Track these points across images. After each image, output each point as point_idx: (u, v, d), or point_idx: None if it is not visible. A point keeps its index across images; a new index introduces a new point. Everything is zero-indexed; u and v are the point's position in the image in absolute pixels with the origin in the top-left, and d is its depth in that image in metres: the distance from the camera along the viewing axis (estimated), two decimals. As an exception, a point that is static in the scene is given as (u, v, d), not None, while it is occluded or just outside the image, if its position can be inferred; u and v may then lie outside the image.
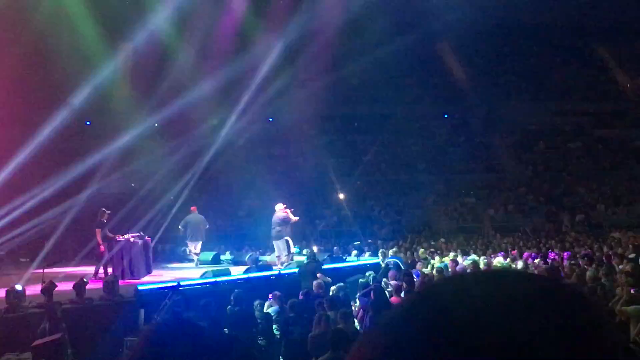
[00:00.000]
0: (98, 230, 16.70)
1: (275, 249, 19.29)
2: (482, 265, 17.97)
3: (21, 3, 22.04)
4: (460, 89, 36.37)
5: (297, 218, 19.38)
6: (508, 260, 20.04)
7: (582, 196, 34.91)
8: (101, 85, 23.61)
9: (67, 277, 15.56)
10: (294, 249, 19.50)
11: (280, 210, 19.27)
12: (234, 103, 27.82)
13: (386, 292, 13.68)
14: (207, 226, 20.53)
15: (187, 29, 26.57)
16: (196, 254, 20.28)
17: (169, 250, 22.91)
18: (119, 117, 25.22)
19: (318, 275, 14.76)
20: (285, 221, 19.05)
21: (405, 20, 29.38)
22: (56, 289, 12.14)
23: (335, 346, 7.67)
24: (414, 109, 36.16)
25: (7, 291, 11.59)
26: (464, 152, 36.45)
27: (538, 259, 19.46)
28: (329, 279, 14.07)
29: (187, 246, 20.61)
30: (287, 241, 19.12)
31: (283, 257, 18.86)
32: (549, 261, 18.83)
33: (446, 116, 39.63)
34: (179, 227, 20.54)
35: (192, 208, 20.91)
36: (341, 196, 31.12)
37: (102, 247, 16.55)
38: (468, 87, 36.17)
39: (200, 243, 20.31)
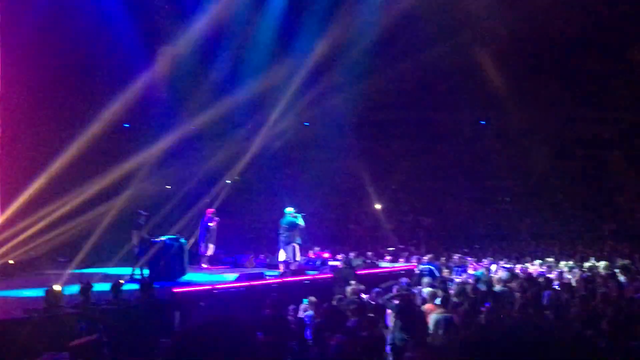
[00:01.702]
0: (135, 232, 16.93)
1: (282, 254, 18.80)
2: (517, 271, 17.92)
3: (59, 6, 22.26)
4: (498, 96, 36.05)
5: (304, 224, 18.94)
6: (544, 268, 19.87)
7: (621, 205, 34.44)
8: (140, 88, 23.80)
9: (104, 278, 15.83)
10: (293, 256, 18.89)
11: (290, 215, 19.05)
12: (271, 107, 27.90)
13: (418, 298, 13.62)
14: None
15: (226, 33, 26.69)
16: (210, 255, 20.42)
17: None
18: (158, 120, 25.43)
19: (352, 282, 14.74)
20: (293, 226, 18.78)
21: (444, 26, 29.17)
22: (93, 289, 12.34)
23: (367, 353, 7.70)
24: (451, 116, 35.92)
25: (46, 291, 11.80)
26: (501, 159, 36.12)
27: (575, 269, 19.31)
28: (363, 286, 14.01)
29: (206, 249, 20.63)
30: (294, 247, 18.73)
31: (292, 265, 18.45)
32: (585, 271, 18.68)
33: (483, 123, 39.32)
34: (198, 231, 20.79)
35: (208, 210, 20.89)
36: (377, 206, 31.01)
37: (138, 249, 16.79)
38: (506, 94, 35.83)
39: (212, 245, 20.46)
